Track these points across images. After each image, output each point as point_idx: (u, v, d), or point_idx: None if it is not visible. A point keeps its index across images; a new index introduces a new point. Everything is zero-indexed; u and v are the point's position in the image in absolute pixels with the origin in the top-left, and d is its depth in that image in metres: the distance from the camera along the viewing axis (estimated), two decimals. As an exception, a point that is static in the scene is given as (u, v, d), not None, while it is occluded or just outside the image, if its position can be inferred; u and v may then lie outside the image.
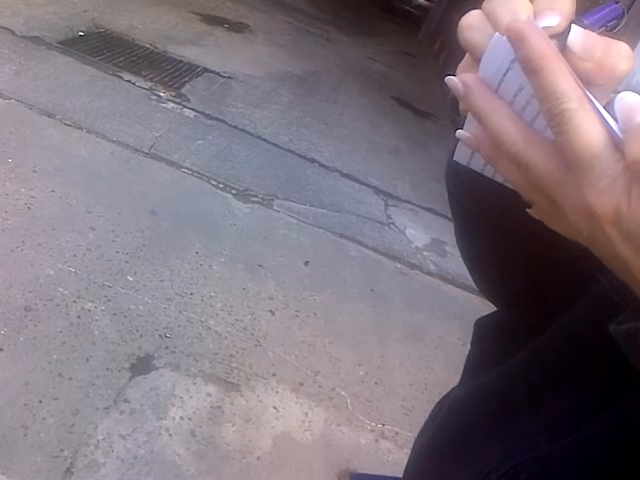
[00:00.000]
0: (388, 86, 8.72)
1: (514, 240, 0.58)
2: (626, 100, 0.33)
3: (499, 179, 0.43)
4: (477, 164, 0.44)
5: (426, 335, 3.44)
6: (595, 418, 0.49)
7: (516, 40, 0.35)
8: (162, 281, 2.95)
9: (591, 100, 0.33)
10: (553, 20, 0.35)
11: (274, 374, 2.70)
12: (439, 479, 0.66)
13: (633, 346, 0.37)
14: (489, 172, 0.44)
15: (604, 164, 0.33)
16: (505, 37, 0.36)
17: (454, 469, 0.63)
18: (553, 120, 0.34)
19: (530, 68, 0.34)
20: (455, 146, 0.44)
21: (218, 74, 6.17)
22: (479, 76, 0.38)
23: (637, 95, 0.33)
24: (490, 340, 0.73)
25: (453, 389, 0.77)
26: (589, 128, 0.33)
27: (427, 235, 4.65)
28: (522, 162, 0.37)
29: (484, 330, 0.75)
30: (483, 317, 0.76)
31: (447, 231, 4.81)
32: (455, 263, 4.34)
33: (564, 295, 0.60)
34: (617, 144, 0.33)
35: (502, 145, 0.37)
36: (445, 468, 0.66)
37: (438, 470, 0.68)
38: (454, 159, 0.45)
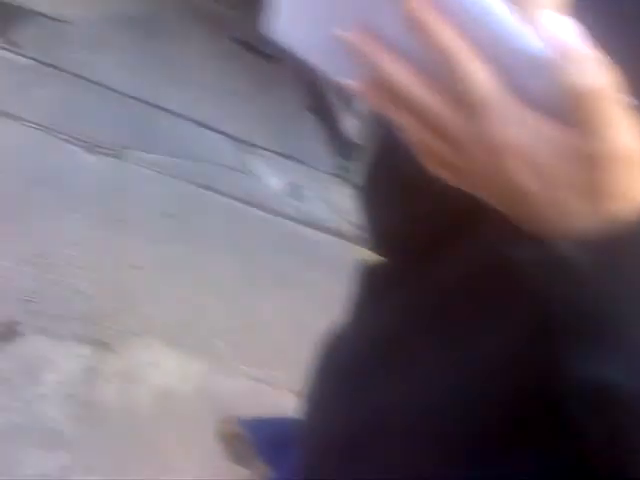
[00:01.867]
0: (234, 30, 8.53)
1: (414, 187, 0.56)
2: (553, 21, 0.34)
3: (313, 58, 0.40)
4: (293, 39, 0.40)
5: (293, 279, 3.52)
6: (472, 349, 0.54)
7: None
8: (18, 244, 2.78)
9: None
10: None
11: (147, 330, 2.67)
12: (334, 411, 0.71)
13: (541, 272, 0.40)
14: (302, 50, 0.40)
15: (501, 103, 0.35)
16: None
17: (346, 402, 0.69)
18: (445, 70, 0.36)
19: (415, 21, 0.35)
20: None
21: (51, 18, 5.75)
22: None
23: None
24: (372, 285, 0.76)
25: (334, 330, 0.80)
26: (480, 74, 0.35)
27: (284, 180, 4.70)
28: (417, 107, 0.37)
29: (367, 275, 0.78)
30: (369, 264, 0.78)
31: (304, 175, 4.90)
32: (314, 206, 4.44)
33: (447, 244, 0.61)
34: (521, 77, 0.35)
35: (397, 92, 0.37)
36: (339, 400, 0.71)
37: (331, 403, 0.73)
38: (266, 32, 0.40)
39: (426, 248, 0.64)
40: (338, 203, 4.58)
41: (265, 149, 5.10)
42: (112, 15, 6.73)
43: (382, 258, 0.76)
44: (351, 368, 0.72)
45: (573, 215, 0.37)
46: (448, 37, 0.34)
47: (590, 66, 0.33)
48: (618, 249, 0.37)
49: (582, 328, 0.40)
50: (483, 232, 0.55)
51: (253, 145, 5.08)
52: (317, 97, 6.64)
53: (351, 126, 5.42)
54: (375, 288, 0.75)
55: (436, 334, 0.59)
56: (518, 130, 0.35)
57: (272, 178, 4.66)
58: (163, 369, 2.52)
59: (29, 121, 3.86)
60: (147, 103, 4.94)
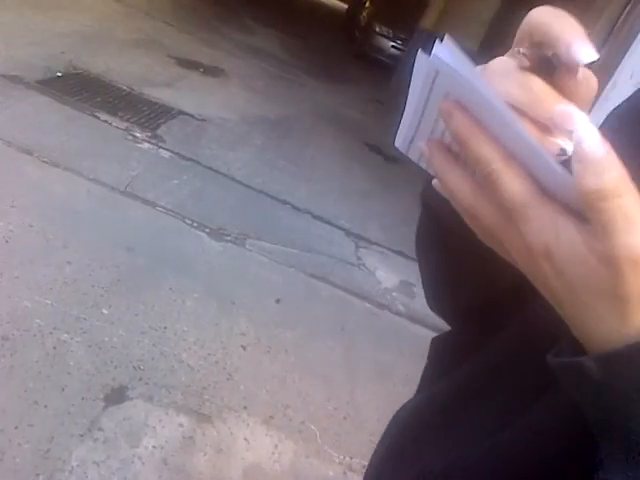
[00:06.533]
0: (359, 131, 8.93)
1: (470, 256, 0.62)
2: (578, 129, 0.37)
3: (431, 171, 0.49)
4: (414, 154, 0.50)
5: (394, 373, 3.52)
6: (520, 416, 0.56)
7: (445, 117, 0.41)
8: (136, 315, 3.01)
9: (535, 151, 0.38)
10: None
11: (245, 407, 2.76)
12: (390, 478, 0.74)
13: (566, 378, 0.41)
14: (423, 164, 0.50)
15: (533, 209, 0.38)
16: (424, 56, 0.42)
17: (401, 470, 0.71)
18: (485, 180, 0.40)
19: (458, 139, 0.41)
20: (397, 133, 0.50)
21: (193, 116, 6.30)
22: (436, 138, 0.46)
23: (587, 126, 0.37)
24: (442, 355, 0.80)
25: (406, 403, 0.84)
26: (514, 182, 0.38)
27: (396, 277, 4.76)
28: (471, 212, 0.43)
29: (438, 346, 0.82)
30: (437, 335, 0.83)
31: (415, 273, 4.89)
32: (423, 304, 4.43)
33: (504, 314, 0.66)
34: (554, 187, 0.38)
35: (456, 200, 0.43)
36: (394, 469, 0.74)
37: (389, 473, 0.76)
38: (395, 145, 0.50)
39: (487, 320, 0.70)
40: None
41: (380, 245, 5.22)
42: (250, 116, 7.28)
43: (450, 329, 0.82)
44: (404, 434, 0.77)
45: (597, 318, 0.38)
46: (486, 152, 0.39)
47: (599, 166, 0.35)
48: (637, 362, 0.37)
49: (601, 432, 0.41)
50: (529, 311, 0.60)
51: (368, 240, 5.21)
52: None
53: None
54: (442, 358, 0.80)
55: (489, 399, 0.62)
56: (550, 234, 0.38)
57: (384, 274, 4.74)
58: (256, 446, 2.59)
59: (163, 207, 4.21)
60: (271, 197, 5.24)
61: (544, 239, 0.38)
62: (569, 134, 0.38)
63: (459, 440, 0.62)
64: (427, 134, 0.47)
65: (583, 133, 0.36)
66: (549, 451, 0.51)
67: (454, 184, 0.43)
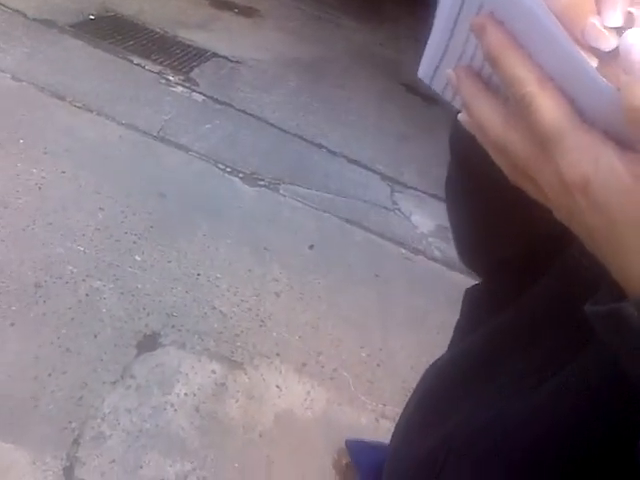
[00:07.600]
0: (396, 72, 8.69)
1: (501, 203, 0.59)
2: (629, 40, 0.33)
3: (456, 104, 0.46)
4: (438, 84, 0.47)
5: (428, 320, 3.48)
6: (558, 373, 0.52)
7: (478, 32, 0.37)
8: (169, 262, 3.01)
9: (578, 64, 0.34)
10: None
11: (277, 354, 2.76)
12: (420, 436, 0.71)
13: (605, 327, 0.38)
14: (448, 95, 0.47)
15: (570, 137, 0.34)
16: None
17: (434, 423, 0.68)
18: (518, 104, 0.36)
19: (491, 57, 0.37)
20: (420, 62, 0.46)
21: (227, 59, 6.20)
22: (466, 66, 0.42)
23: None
24: (475, 307, 0.78)
25: (443, 355, 0.81)
26: (550, 106, 0.35)
27: (432, 221, 4.67)
28: (501, 145, 0.39)
29: (472, 297, 0.80)
30: (471, 287, 0.80)
31: (452, 218, 4.83)
32: (460, 250, 4.36)
33: (539, 265, 0.63)
34: (590, 113, 0.34)
35: (483, 130, 0.40)
36: (427, 423, 0.71)
37: (420, 428, 0.73)
38: (418, 75, 0.47)
39: (521, 272, 0.67)
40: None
41: (416, 189, 5.12)
42: (285, 58, 7.13)
43: (481, 280, 0.80)
44: (438, 387, 0.74)
45: (639, 256, 0.34)
46: (520, 71, 0.36)
47: None
48: None
49: None
50: (565, 261, 0.57)
51: (404, 185, 5.12)
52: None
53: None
54: (476, 310, 0.77)
55: (527, 352, 0.59)
56: (588, 164, 0.34)
57: (421, 218, 4.66)
58: (288, 393, 2.59)
59: (196, 152, 4.17)
60: (306, 140, 5.16)
61: (581, 170, 0.34)
62: (596, 52, 0.34)
63: (494, 394, 0.60)
64: (454, 59, 0.44)
65: (632, 41, 0.32)
66: (591, 408, 0.48)
67: (483, 113, 0.40)
